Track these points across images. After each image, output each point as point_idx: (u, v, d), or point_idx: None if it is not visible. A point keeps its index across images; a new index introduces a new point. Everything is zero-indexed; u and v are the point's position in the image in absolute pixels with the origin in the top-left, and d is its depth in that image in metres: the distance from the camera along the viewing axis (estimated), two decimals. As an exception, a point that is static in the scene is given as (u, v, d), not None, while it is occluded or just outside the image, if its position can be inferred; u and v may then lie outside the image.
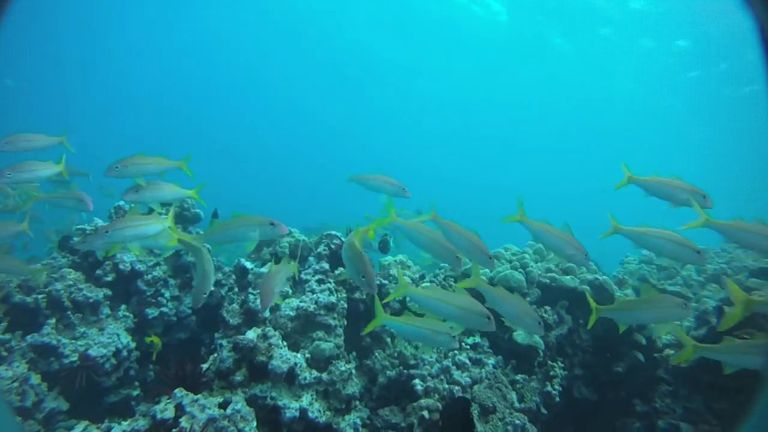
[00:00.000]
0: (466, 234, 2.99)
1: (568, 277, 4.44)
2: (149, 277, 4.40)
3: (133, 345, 4.10)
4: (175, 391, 2.84)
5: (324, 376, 3.34)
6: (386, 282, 4.46)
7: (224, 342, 3.74)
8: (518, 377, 3.99)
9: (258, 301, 3.79)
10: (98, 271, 4.21)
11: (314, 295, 3.87)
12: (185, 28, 28.02)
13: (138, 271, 4.35)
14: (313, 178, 35.09)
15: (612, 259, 6.58)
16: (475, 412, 3.44)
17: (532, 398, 3.90)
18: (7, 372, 3.44)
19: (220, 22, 28.13)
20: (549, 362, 4.16)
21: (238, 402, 2.90)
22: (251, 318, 3.79)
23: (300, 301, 3.86)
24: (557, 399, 4.04)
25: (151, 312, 4.36)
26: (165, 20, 27.07)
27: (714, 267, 6.07)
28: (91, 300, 4.01)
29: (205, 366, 3.18)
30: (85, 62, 28.51)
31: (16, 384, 3.43)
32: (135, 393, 4.13)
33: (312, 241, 4.62)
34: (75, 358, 3.76)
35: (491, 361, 4.02)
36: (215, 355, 3.28)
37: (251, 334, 3.21)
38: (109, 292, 4.18)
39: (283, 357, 3.16)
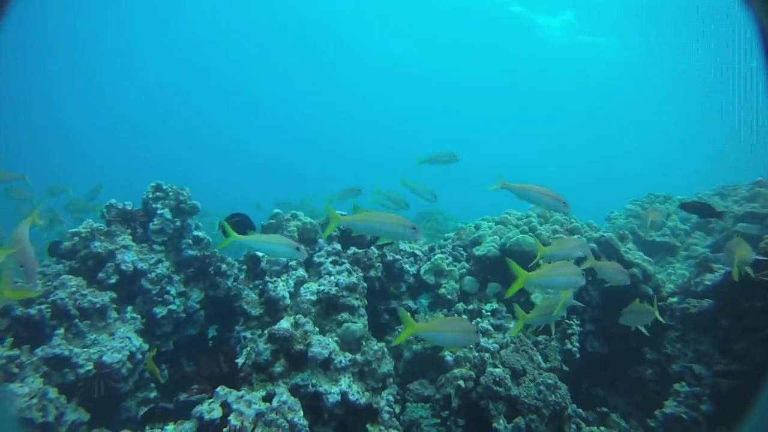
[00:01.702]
0: (539, 188, 3.37)
1: (575, 237, 4.53)
2: (153, 275, 4.22)
3: (145, 347, 3.94)
4: (217, 389, 2.75)
5: (358, 357, 3.32)
6: (398, 257, 4.45)
7: (248, 334, 3.67)
8: (540, 338, 4.08)
9: (278, 289, 3.71)
10: (100, 275, 4.00)
11: (332, 277, 3.81)
12: (166, 24, 26.76)
13: (141, 270, 4.17)
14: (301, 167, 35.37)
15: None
16: (507, 375, 3.50)
17: (555, 357, 4.00)
18: (23, 389, 3.25)
19: (201, 17, 27.10)
20: (566, 320, 4.26)
21: (283, 393, 2.84)
22: (272, 307, 3.71)
23: (319, 285, 3.79)
24: (577, 355, 4.16)
25: (159, 311, 4.20)
26: (146, 18, 25.73)
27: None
28: (97, 305, 3.81)
29: (240, 361, 3.09)
30: (80, 63, 27.19)
31: (35, 400, 3.25)
32: (152, 395, 4.01)
33: (318, 223, 4.53)
34: (90, 367, 3.59)
35: (512, 325, 4.09)
36: (248, 348, 3.19)
37: (285, 323, 3.13)
38: (114, 295, 3.99)
39: (322, 343, 3.11)
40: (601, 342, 4.58)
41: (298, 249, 3.00)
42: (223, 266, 4.62)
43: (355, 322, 3.51)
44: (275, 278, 3.79)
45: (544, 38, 25.11)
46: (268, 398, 2.83)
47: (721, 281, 3.74)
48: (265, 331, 3.17)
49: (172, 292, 4.30)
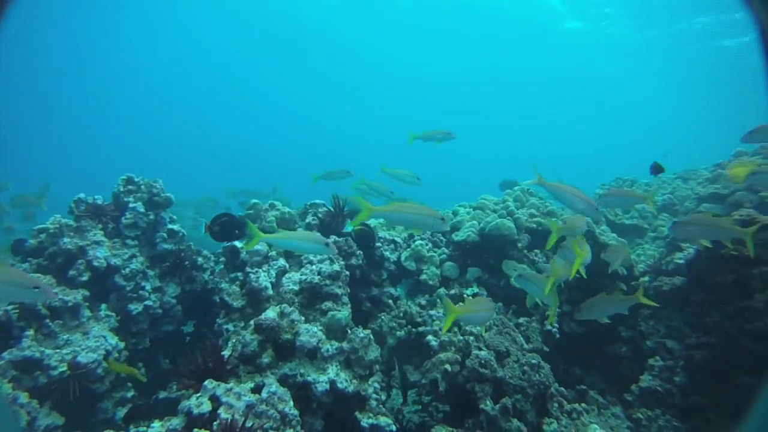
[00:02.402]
0: (571, 190, 3.30)
1: (552, 220, 4.61)
2: (127, 270, 4.09)
3: (122, 345, 3.83)
4: (205, 383, 2.68)
5: (345, 345, 3.29)
6: (378, 244, 4.43)
7: (231, 326, 3.59)
8: (521, 320, 4.15)
9: (260, 280, 3.65)
10: (71, 272, 3.84)
11: (315, 266, 3.77)
12: (151, 19, 25.76)
13: (114, 266, 4.03)
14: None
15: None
16: (492, 357, 3.54)
17: (536, 338, 4.08)
18: (-8, 394, 3.10)
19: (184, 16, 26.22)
20: (543, 303, 4.34)
21: (272, 384, 2.80)
22: (255, 298, 3.64)
23: (301, 274, 3.75)
24: (557, 336, 4.25)
25: (135, 307, 4.08)
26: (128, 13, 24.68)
27: (662, 198, 6.55)
28: (69, 304, 3.66)
29: (226, 353, 3.02)
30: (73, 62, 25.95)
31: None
32: (130, 395, 3.89)
33: (296, 212, 4.48)
34: (64, 369, 3.45)
35: (494, 308, 4.14)
36: (234, 340, 3.13)
37: (271, 313, 3.08)
38: (87, 293, 3.84)
39: (310, 332, 3.08)
40: (578, 322, 4.70)
41: (327, 245, 2.96)
42: (200, 259, 4.52)
43: (339, 311, 3.48)
44: (256, 269, 3.72)
45: (528, 25, 25.09)
46: (257, 389, 2.78)
47: (695, 257, 3.88)
48: (251, 322, 3.11)
49: (148, 287, 4.18)
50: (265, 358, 2.98)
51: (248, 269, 3.74)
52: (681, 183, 6.97)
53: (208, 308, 4.52)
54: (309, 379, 3.02)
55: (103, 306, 3.95)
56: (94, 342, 3.66)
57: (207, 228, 3.62)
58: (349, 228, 4.23)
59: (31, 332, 3.44)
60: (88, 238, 4.01)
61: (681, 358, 3.80)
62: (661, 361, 3.92)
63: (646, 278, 4.61)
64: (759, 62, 1.21)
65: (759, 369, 3.25)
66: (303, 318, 3.24)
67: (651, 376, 3.89)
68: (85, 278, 3.88)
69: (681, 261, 4.25)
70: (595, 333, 4.71)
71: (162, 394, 3.99)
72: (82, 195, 4.21)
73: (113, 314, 3.96)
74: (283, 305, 3.22)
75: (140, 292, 4.13)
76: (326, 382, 3.05)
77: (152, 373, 4.29)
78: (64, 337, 3.60)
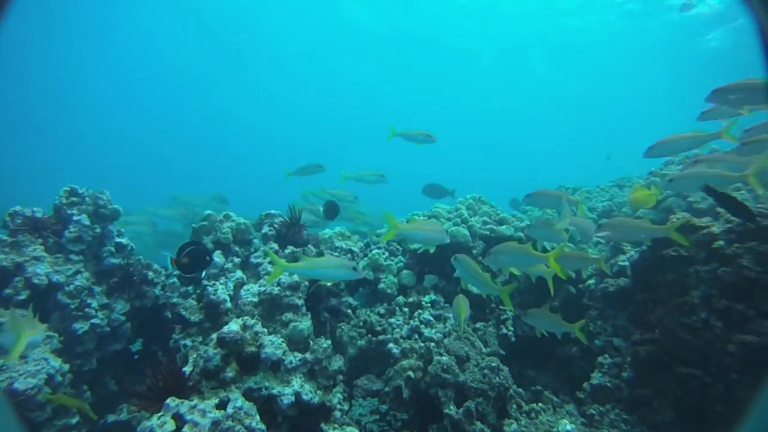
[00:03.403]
0: None
1: (504, 227, 4.78)
2: (71, 287, 3.86)
3: (66, 367, 3.58)
4: (167, 401, 2.57)
5: (308, 356, 3.26)
6: (336, 254, 4.42)
7: (188, 341, 3.46)
8: (478, 325, 4.25)
9: (218, 293, 3.54)
10: (7, 290, 3.58)
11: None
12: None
13: (57, 283, 3.79)
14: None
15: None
16: (453, 362, 3.61)
17: (494, 342, 4.20)
18: None
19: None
20: (499, 307, 4.48)
21: (237, 399, 2.72)
22: (213, 311, 3.53)
23: (260, 286, 3.68)
24: (512, 339, 4.39)
25: (80, 326, 3.84)
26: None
27: (602, 204, 6.93)
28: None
29: (187, 369, 2.90)
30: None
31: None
32: (74, 421, 3.64)
33: (251, 223, 4.39)
34: None
35: (450, 315, 4.22)
36: (195, 356, 3.01)
37: (234, 326, 2.99)
38: (26, 313, 3.58)
39: (275, 343, 3.02)
40: (530, 326, 4.87)
41: (355, 269, 2.94)
42: (150, 274, 4.33)
43: (300, 321, 3.44)
44: (213, 281, 3.61)
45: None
46: (222, 405, 2.69)
47: (638, 259, 4.14)
48: (213, 336, 3.01)
49: (94, 305, 3.96)
50: (229, 372, 2.89)
51: (205, 282, 3.62)
52: (618, 190, 7.41)
53: (159, 324, 4.33)
54: (274, 392, 2.96)
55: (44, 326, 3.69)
56: (34, 366, 3.41)
57: (174, 262, 3.40)
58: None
59: (-37, 358, 3.16)
60: (27, 254, 3.75)
61: (627, 354, 4.02)
62: (609, 358, 4.13)
63: (593, 281, 4.85)
64: (759, 63, 1.18)
65: (697, 360, 3.52)
66: (266, 330, 3.17)
67: (601, 374, 4.09)
68: (23, 297, 3.63)
69: (624, 263, 4.52)
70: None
71: (111, 418, 3.78)
72: (18, 207, 3.94)
73: (56, 335, 3.71)
74: (245, 317, 3.15)
75: (86, 309, 3.89)
76: (291, 395, 3.00)
77: (98, 396, 4.05)
78: None
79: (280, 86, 34.67)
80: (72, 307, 3.84)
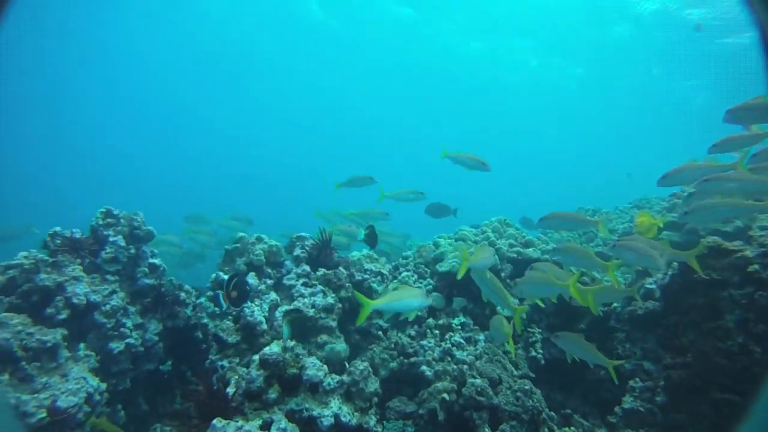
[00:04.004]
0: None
1: (530, 249, 4.82)
2: (107, 307, 3.92)
3: (103, 386, 3.62)
4: (214, 422, 2.61)
5: (345, 377, 3.28)
6: (366, 276, 4.46)
7: (226, 362, 3.50)
8: (508, 347, 4.25)
9: (255, 314, 3.59)
10: (49, 310, 3.64)
11: (307, 299, 3.76)
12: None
13: (94, 303, 3.85)
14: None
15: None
16: (486, 384, 3.61)
17: (524, 365, 4.20)
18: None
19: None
20: (528, 329, 4.49)
21: (281, 420, 2.75)
22: (250, 333, 3.57)
23: (293, 307, 3.72)
24: (542, 362, 4.39)
25: (116, 346, 3.89)
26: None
27: (622, 226, 6.95)
28: (48, 344, 3.45)
29: (230, 390, 2.94)
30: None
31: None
32: (110, 442, 3.67)
33: (282, 246, 4.46)
34: (43, 415, 3.22)
35: (481, 336, 4.24)
36: (237, 376, 3.05)
37: (275, 348, 3.03)
38: (66, 332, 3.64)
39: (316, 365, 3.06)
40: (558, 348, 4.86)
41: (425, 295, 3.12)
42: (182, 294, 4.38)
43: (336, 343, 3.47)
44: (249, 303, 3.66)
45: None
46: (265, 426, 2.73)
47: (669, 282, 4.14)
48: (255, 357, 3.04)
49: (129, 324, 4.01)
50: (272, 394, 2.92)
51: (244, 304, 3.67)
52: (637, 212, 7.42)
53: (190, 345, 4.37)
54: (314, 413, 2.98)
55: (82, 345, 3.75)
56: (75, 384, 3.45)
57: (226, 298, 3.41)
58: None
59: (5, 377, 3.21)
60: (67, 274, 3.83)
61: (660, 378, 4.00)
62: (640, 382, 4.12)
63: (617, 304, 4.85)
64: (759, 63, 1.23)
65: (733, 386, 3.51)
66: (306, 351, 3.21)
67: (632, 398, 4.06)
68: (63, 316, 3.69)
69: (652, 286, 4.52)
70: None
71: (152, 438, 3.81)
72: (57, 228, 4.03)
73: (92, 353, 3.76)
74: (286, 339, 3.19)
75: (121, 329, 3.95)
76: (331, 416, 3.02)
77: (130, 416, 4.08)
78: (42, 380, 3.37)
79: (274, 102, 34.91)
80: (108, 326, 3.89)
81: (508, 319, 3.77)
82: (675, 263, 4.08)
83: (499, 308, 4.46)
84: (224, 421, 2.61)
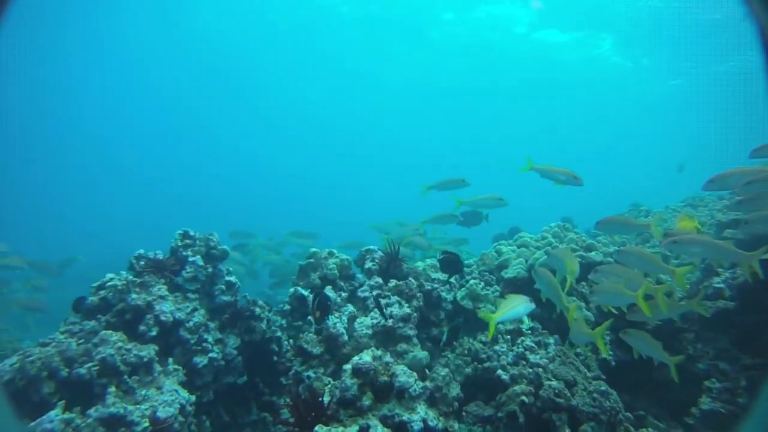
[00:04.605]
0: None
1: (593, 253, 4.84)
2: (191, 324, 4.13)
3: (193, 398, 3.82)
4: (316, 428, 2.74)
5: (428, 383, 3.39)
6: (435, 285, 4.56)
7: (311, 373, 3.65)
8: (579, 350, 4.29)
9: (337, 326, 3.73)
10: (142, 327, 3.87)
11: (385, 310, 3.88)
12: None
13: (179, 320, 4.06)
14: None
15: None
16: (563, 386, 3.66)
17: (595, 366, 4.22)
18: (84, 454, 3.07)
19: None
20: (598, 332, 4.50)
21: (377, 426, 2.87)
22: (332, 344, 3.71)
23: (372, 318, 3.85)
24: (613, 363, 4.39)
25: (200, 360, 4.09)
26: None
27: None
28: (145, 359, 3.67)
29: (325, 399, 3.08)
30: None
31: (99, 466, 3.07)
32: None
33: (352, 259, 4.61)
34: (146, 424, 3.43)
35: (551, 340, 4.29)
36: (330, 385, 3.19)
37: (366, 357, 3.17)
38: (157, 348, 3.86)
39: (407, 372, 3.17)
40: (623, 350, 4.85)
41: (531, 302, 3.26)
42: (257, 310, 4.57)
43: (417, 351, 3.58)
44: (330, 315, 3.81)
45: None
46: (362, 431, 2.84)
47: (744, 282, 4.11)
48: (347, 367, 3.18)
49: (210, 340, 4.21)
50: (366, 401, 3.05)
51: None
52: (691, 210, 7.31)
53: (265, 357, 4.55)
54: (404, 418, 3.09)
55: (170, 360, 3.96)
56: (169, 396, 3.66)
57: (315, 318, 3.55)
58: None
59: (113, 389, 3.44)
60: (154, 293, 4.06)
61: (739, 378, 3.96)
62: (717, 383, 4.08)
63: (683, 302, 4.81)
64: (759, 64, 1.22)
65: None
66: (394, 360, 3.33)
67: (710, 398, 4.03)
68: (154, 333, 3.91)
69: (720, 285, 4.48)
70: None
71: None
72: (141, 251, 4.29)
73: (180, 368, 3.96)
74: (373, 349, 3.32)
75: (204, 344, 4.15)
76: (420, 421, 3.13)
77: (213, 426, 4.26)
78: (142, 392, 3.59)
79: (280, 118, 35.66)
80: (192, 342, 4.10)
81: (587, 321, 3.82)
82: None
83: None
84: (325, 428, 2.74)
